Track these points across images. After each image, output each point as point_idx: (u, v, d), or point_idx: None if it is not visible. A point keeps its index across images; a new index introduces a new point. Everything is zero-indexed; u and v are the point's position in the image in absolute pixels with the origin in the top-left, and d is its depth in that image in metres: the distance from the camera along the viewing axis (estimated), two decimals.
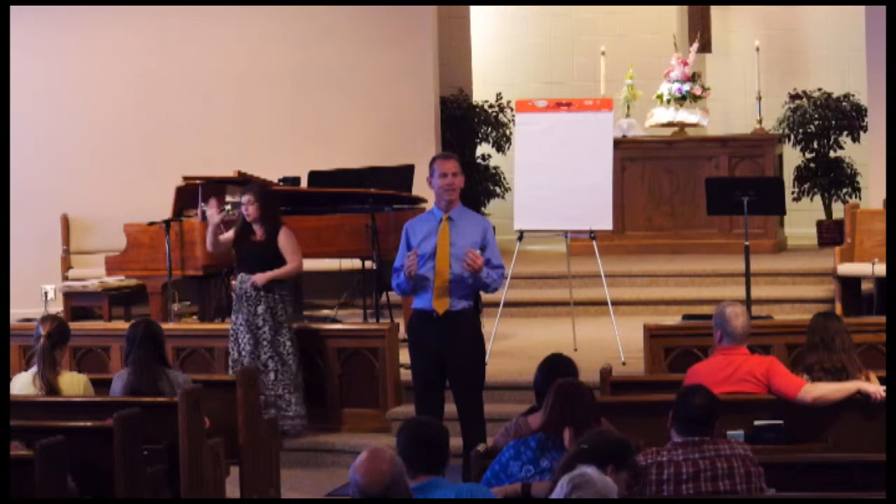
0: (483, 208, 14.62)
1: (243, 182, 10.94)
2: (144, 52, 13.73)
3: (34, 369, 8.03)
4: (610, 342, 10.57)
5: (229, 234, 9.95)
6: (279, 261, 9.76)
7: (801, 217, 14.61)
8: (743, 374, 7.47)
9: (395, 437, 5.50)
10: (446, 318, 8.00)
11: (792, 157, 14.67)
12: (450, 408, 8.44)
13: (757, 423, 7.26)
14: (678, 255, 13.63)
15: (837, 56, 15.79)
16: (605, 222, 10.91)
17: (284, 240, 9.78)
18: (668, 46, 14.87)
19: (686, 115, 14.34)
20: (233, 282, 9.96)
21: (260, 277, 9.69)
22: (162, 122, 13.68)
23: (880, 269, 11.06)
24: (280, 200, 10.36)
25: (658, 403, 7.01)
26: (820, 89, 14.69)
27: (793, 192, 14.31)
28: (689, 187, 13.91)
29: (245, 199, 9.74)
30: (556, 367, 6.75)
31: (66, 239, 13.41)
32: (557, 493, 4.67)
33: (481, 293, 8.18)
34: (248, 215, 9.73)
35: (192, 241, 11.17)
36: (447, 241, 8.03)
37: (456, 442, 7.97)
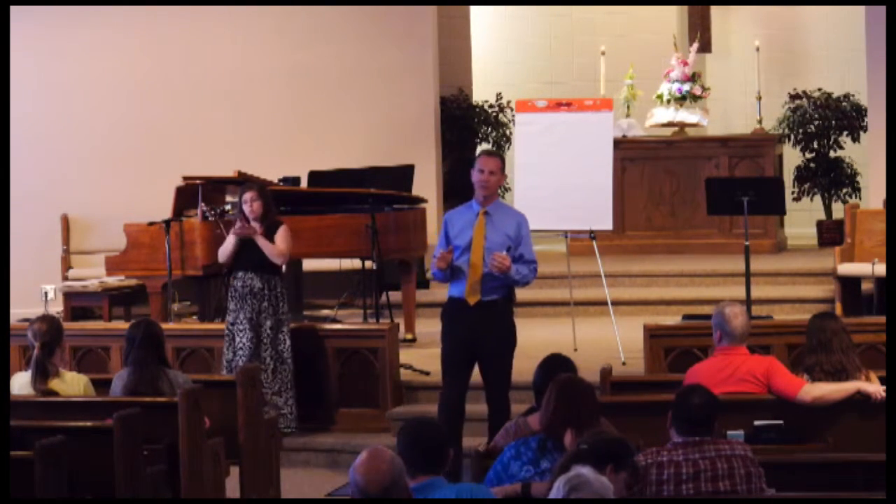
0: None
1: (243, 182, 10.93)
2: (144, 51, 13.73)
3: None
4: (610, 342, 10.57)
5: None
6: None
7: (801, 217, 14.62)
8: (743, 374, 7.47)
9: (395, 437, 5.50)
10: (478, 308, 8.31)
11: (792, 157, 14.67)
12: (470, 408, 8.52)
13: (757, 423, 7.25)
14: (678, 255, 13.63)
15: (837, 56, 15.78)
16: (605, 222, 10.92)
17: (283, 233, 9.79)
18: (668, 46, 14.87)
19: (686, 115, 14.35)
20: (232, 281, 9.93)
21: (258, 235, 9.67)
22: (162, 123, 13.68)
23: (880, 269, 11.06)
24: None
25: (658, 403, 7.01)
26: (820, 89, 14.69)
27: (793, 192, 14.31)
28: (689, 187, 13.91)
29: (248, 196, 9.75)
30: (556, 367, 6.75)
31: (66, 239, 13.41)
32: (554, 494, 4.66)
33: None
34: (251, 212, 9.73)
35: (192, 241, 11.15)
36: (482, 235, 8.29)
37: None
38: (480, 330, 8.31)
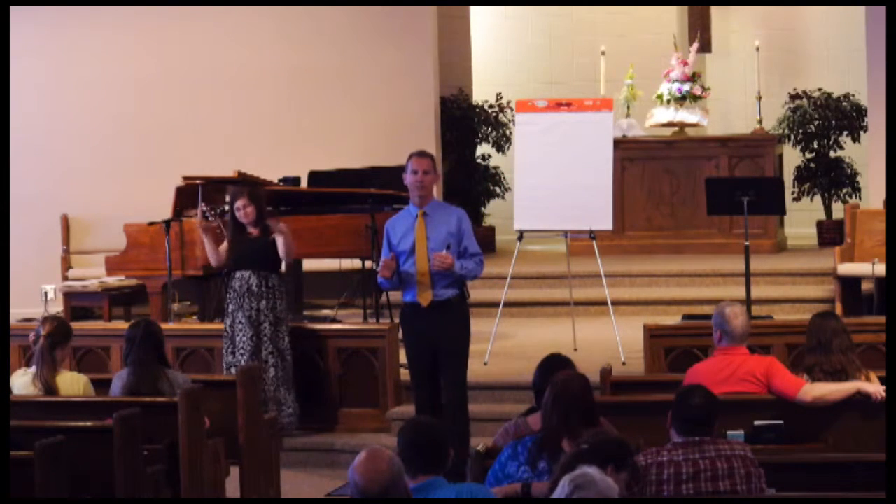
0: (483, 208, 14.61)
1: (243, 182, 10.93)
2: (144, 52, 13.73)
3: (34, 369, 8.03)
4: (610, 342, 10.56)
5: (224, 244, 9.91)
6: (277, 256, 9.77)
7: (801, 217, 14.61)
8: (743, 374, 7.47)
9: (395, 437, 5.50)
10: (433, 309, 8.38)
11: (792, 157, 14.67)
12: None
13: (757, 423, 7.25)
14: (678, 255, 13.63)
15: (837, 56, 15.79)
16: (605, 222, 10.91)
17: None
18: (668, 46, 14.87)
19: (686, 115, 14.34)
20: (230, 281, 9.93)
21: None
22: (162, 123, 13.68)
23: (880, 269, 11.07)
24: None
25: (658, 403, 7.01)
26: (820, 89, 14.69)
27: (793, 192, 14.31)
28: (689, 187, 13.91)
29: (240, 203, 9.70)
30: (555, 367, 6.74)
31: (66, 239, 13.41)
32: (559, 493, 4.66)
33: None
34: (244, 217, 9.71)
35: (192, 241, 11.16)
36: (424, 235, 8.39)
37: None
38: (438, 330, 8.38)
